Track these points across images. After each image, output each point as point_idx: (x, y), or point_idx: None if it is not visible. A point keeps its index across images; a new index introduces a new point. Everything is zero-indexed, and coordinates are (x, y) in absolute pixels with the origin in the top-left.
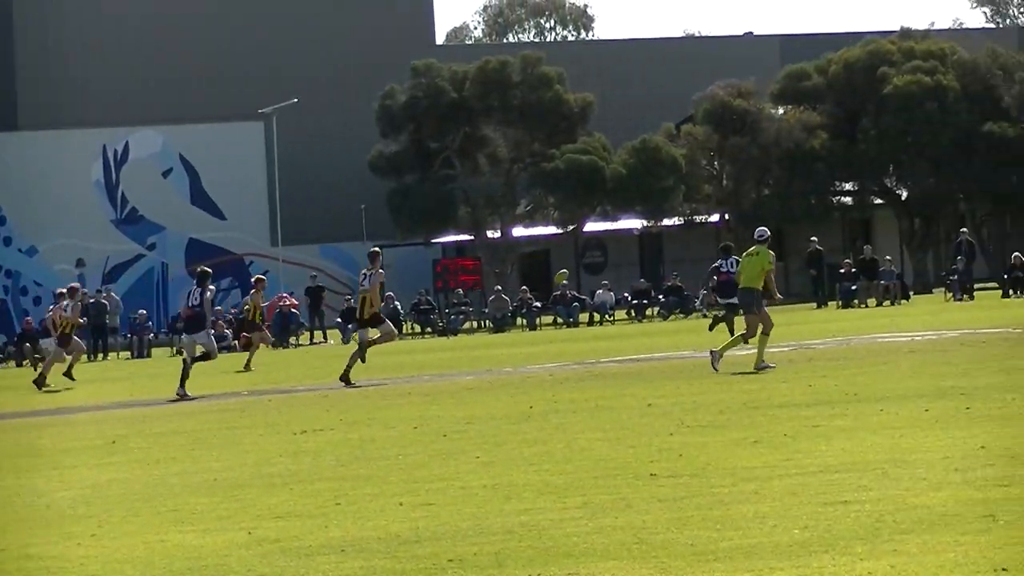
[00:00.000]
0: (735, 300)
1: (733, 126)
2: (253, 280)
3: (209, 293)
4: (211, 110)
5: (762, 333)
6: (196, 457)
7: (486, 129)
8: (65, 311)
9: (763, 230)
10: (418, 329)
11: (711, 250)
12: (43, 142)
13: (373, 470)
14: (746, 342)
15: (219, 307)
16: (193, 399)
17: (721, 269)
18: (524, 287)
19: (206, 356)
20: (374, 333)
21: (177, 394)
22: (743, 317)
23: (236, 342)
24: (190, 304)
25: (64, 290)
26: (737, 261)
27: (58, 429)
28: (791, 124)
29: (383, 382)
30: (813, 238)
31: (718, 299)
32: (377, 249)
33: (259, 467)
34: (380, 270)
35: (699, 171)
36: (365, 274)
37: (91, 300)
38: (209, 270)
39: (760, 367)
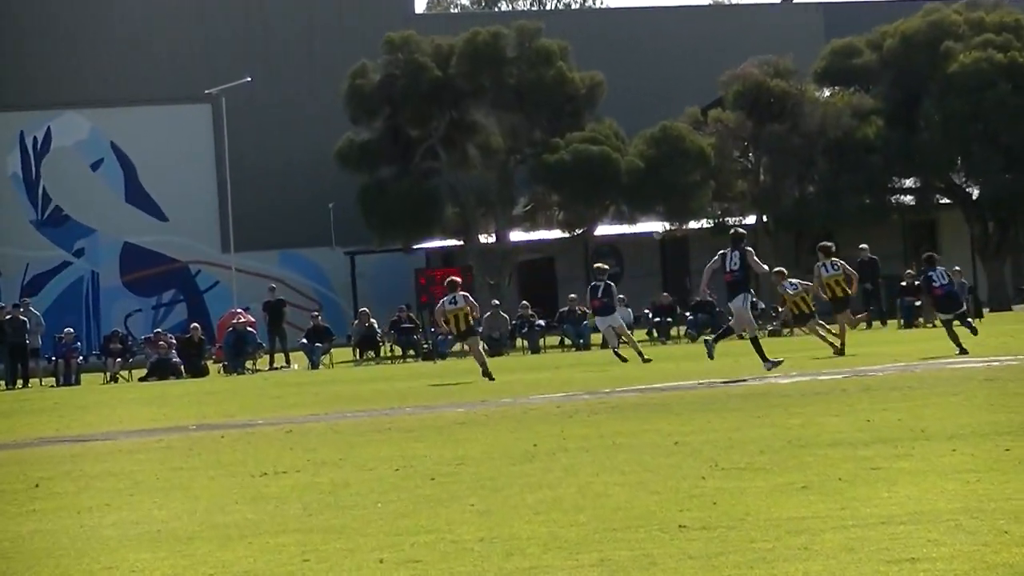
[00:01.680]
0: (962, 310)
1: (770, 111)
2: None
3: (751, 255)
4: (148, 90)
5: None
6: (135, 504)
7: (476, 114)
8: None
9: None
10: (399, 352)
11: None
12: None
13: (347, 520)
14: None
15: (159, 328)
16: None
17: (934, 283)
18: (524, 302)
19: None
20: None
21: (766, 368)
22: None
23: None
24: (728, 269)
25: None
26: (945, 272)
27: None
28: (839, 109)
29: (356, 414)
30: (863, 245)
31: (939, 316)
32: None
33: (211, 516)
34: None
35: (730, 164)
36: (833, 263)
37: (7, 316)
38: (743, 231)
39: None
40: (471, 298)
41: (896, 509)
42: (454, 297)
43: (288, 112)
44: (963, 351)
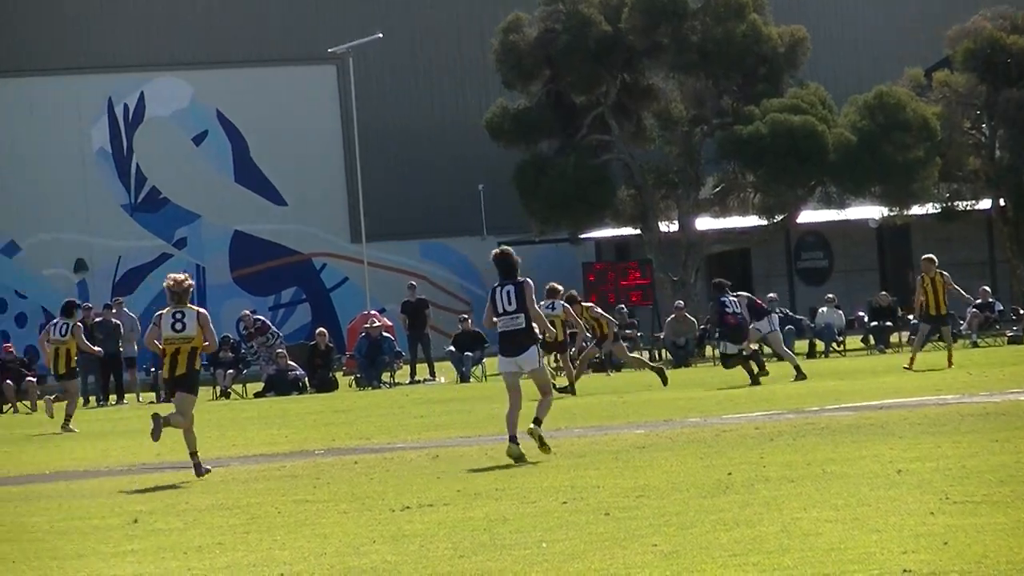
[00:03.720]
0: (741, 348)
1: (1008, 74)
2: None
3: None
4: (261, 49)
5: None
6: (252, 543)
7: (653, 77)
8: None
9: None
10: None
11: (980, 248)
12: (22, 93)
13: (507, 562)
14: None
15: (279, 333)
16: None
17: (727, 309)
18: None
19: None
20: None
21: None
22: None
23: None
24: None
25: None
26: (737, 300)
27: (56, 502)
28: None
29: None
30: None
31: (727, 345)
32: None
33: (343, 558)
34: None
35: (960, 137)
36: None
37: (97, 319)
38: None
39: None
40: (536, 307)
41: None
42: (552, 304)
43: (428, 75)
44: (755, 382)
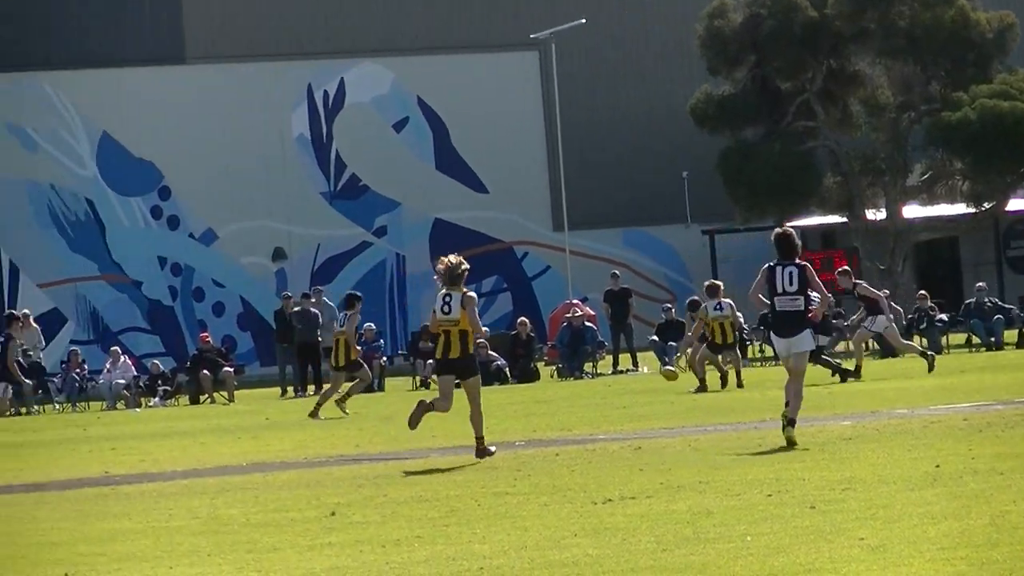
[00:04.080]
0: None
1: None
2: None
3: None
4: (462, 35)
5: None
6: (452, 536)
7: (860, 62)
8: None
9: None
10: (768, 351)
11: None
12: (221, 80)
13: (710, 556)
14: None
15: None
16: None
17: (812, 305)
18: (922, 291)
19: None
20: None
21: None
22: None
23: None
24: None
25: None
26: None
27: (252, 494)
28: None
29: (720, 428)
30: None
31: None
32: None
33: (544, 551)
34: None
35: None
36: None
37: (295, 308)
38: None
39: None
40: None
41: None
42: (719, 304)
43: (631, 60)
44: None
